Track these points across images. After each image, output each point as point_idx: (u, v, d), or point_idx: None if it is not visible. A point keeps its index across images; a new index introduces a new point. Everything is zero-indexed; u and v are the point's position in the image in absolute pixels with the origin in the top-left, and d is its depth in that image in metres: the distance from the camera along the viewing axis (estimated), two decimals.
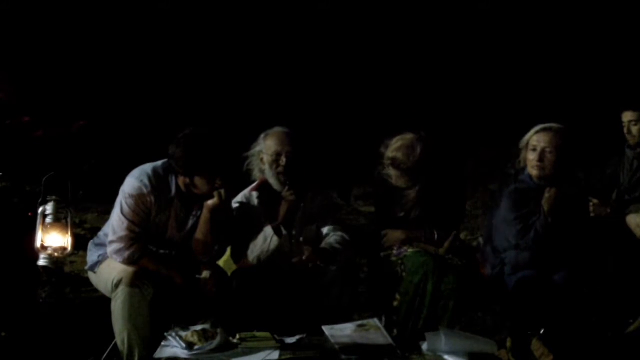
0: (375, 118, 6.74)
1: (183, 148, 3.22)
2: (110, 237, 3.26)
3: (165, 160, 3.31)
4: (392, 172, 3.69)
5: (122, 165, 3.54)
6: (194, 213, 3.36)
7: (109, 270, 3.25)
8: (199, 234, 3.34)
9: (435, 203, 3.68)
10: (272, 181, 3.52)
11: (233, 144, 3.49)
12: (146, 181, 3.23)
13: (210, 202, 3.31)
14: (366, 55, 7.14)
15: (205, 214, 3.32)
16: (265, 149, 3.54)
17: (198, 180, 3.25)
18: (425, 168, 3.65)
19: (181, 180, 3.28)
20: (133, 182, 3.25)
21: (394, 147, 3.68)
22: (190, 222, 3.37)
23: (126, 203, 3.23)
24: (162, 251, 3.36)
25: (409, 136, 3.69)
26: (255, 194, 3.55)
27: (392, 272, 3.60)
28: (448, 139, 4.12)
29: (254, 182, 3.63)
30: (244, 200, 3.57)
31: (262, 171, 3.58)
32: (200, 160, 3.22)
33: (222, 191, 3.30)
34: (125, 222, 3.22)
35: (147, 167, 3.30)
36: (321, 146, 6.22)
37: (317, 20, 7.05)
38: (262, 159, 3.56)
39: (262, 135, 3.59)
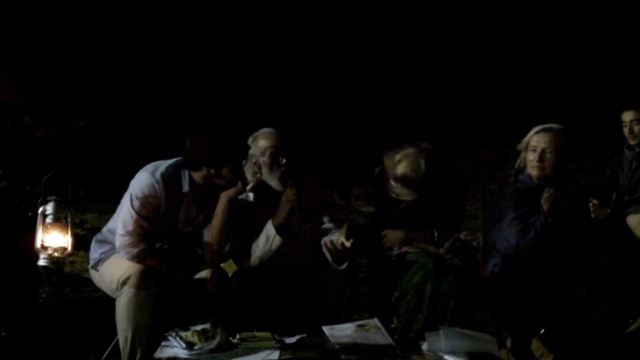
0: (375, 117, 6.75)
1: (208, 136, 3.23)
2: (120, 231, 3.25)
3: (178, 158, 3.31)
4: (401, 190, 3.67)
5: (122, 165, 3.54)
6: (205, 209, 3.37)
7: (114, 268, 3.25)
8: (213, 228, 3.34)
9: (436, 205, 3.68)
10: (273, 182, 3.48)
11: (245, 133, 3.53)
12: (158, 177, 3.23)
13: (231, 190, 3.31)
14: (365, 55, 7.14)
15: (224, 203, 3.32)
16: (259, 151, 3.48)
17: (224, 169, 3.25)
18: (429, 179, 3.64)
19: (201, 173, 3.27)
20: (145, 177, 3.25)
21: (401, 165, 3.65)
22: (201, 217, 3.38)
23: (136, 197, 3.22)
24: (165, 246, 3.37)
25: (410, 150, 3.66)
26: (251, 195, 3.54)
27: (392, 272, 3.60)
28: (447, 139, 4.12)
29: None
30: (241, 201, 3.55)
31: (255, 174, 3.53)
32: (227, 147, 3.24)
33: (240, 181, 3.32)
34: (135, 216, 3.22)
35: (160, 163, 3.31)
36: (321, 146, 6.24)
37: (318, 20, 7.05)
38: (255, 162, 3.50)
39: (250, 139, 3.53)
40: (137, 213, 3.22)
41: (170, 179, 3.26)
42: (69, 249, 3.37)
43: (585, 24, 6.91)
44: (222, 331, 2.92)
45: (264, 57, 7.06)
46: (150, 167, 3.30)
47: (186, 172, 3.30)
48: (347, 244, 3.26)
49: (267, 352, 2.86)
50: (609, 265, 3.56)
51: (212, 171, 3.26)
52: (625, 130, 4.21)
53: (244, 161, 3.50)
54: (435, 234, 3.69)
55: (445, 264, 3.54)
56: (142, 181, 3.25)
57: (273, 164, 3.46)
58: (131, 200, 3.23)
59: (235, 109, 6.58)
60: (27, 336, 3.59)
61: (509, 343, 3.20)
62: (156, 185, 3.23)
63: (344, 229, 3.31)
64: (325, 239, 3.41)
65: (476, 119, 6.85)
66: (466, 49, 7.11)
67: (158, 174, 3.24)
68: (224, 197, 3.33)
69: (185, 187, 3.30)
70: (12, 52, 6.50)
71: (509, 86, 6.96)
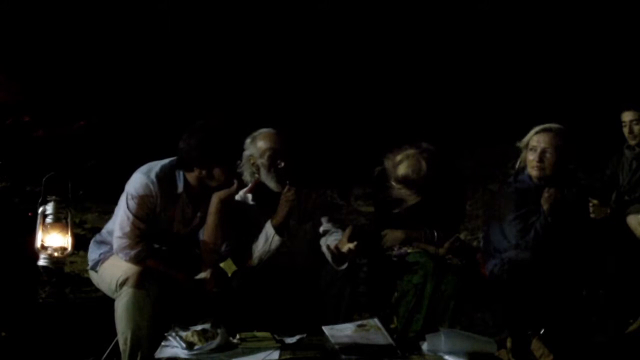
0: (375, 117, 6.74)
1: (198, 137, 3.24)
2: (117, 233, 3.26)
3: (172, 158, 3.32)
4: (403, 191, 3.67)
5: (122, 165, 3.54)
6: (201, 209, 3.37)
7: (113, 269, 3.25)
8: (207, 228, 3.34)
9: (436, 205, 3.68)
10: (271, 184, 3.48)
11: (241, 134, 3.51)
12: (153, 177, 3.25)
13: (223, 191, 3.32)
14: (365, 55, 7.13)
15: (215, 203, 3.33)
16: (259, 152, 3.46)
17: (216, 171, 3.26)
18: (431, 179, 3.63)
19: (194, 174, 3.28)
20: (140, 178, 3.27)
21: (402, 166, 3.64)
22: (198, 218, 3.38)
23: (132, 199, 3.24)
24: (164, 247, 3.37)
25: (411, 152, 3.65)
26: (250, 196, 3.53)
27: (392, 272, 3.60)
28: (447, 139, 4.11)
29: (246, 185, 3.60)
30: (239, 202, 3.55)
31: (253, 174, 3.52)
32: (218, 148, 3.24)
33: (236, 181, 3.32)
34: (131, 218, 3.23)
35: (154, 164, 3.32)
36: (321, 146, 6.24)
37: (318, 20, 7.04)
38: (253, 163, 3.49)
39: (249, 140, 3.51)
40: (134, 214, 3.23)
41: (164, 179, 3.28)
42: (69, 249, 3.37)
43: (585, 24, 6.90)
44: (222, 331, 2.92)
45: (264, 57, 7.05)
46: (144, 168, 3.31)
47: (181, 172, 3.31)
48: (352, 246, 3.26)
49: (267, 352, 2.86)
50: (609, 265, 3.57)
51: (204, 172, 3.27)
52: (625, 130, 4.22)
53: (239, 162, 3.51)
54: (435, 234, 3.68)
55: (445, 264, 3.53)
56: (137, 182, 3.26)
57: (271, 166, 3.46)
58: (127, 201, 3.25)
59: (235, 109, 6.58)
60: (27, 336, 3.59)
61: (509, 343, 3.21)
62: (151, 186, 3.24)
63: (347, 232, 3.32)
64: (330, 244, 3.39)
65: (476, 118, 6.84)
66: (466, 49, 7.10)
67: (153, 174, 3.26)
68: (215, 198, 3.34)
69: (180, 188, 3.31)
70: (12, 52, 6.50)
71: (509, 86, 6.96)
